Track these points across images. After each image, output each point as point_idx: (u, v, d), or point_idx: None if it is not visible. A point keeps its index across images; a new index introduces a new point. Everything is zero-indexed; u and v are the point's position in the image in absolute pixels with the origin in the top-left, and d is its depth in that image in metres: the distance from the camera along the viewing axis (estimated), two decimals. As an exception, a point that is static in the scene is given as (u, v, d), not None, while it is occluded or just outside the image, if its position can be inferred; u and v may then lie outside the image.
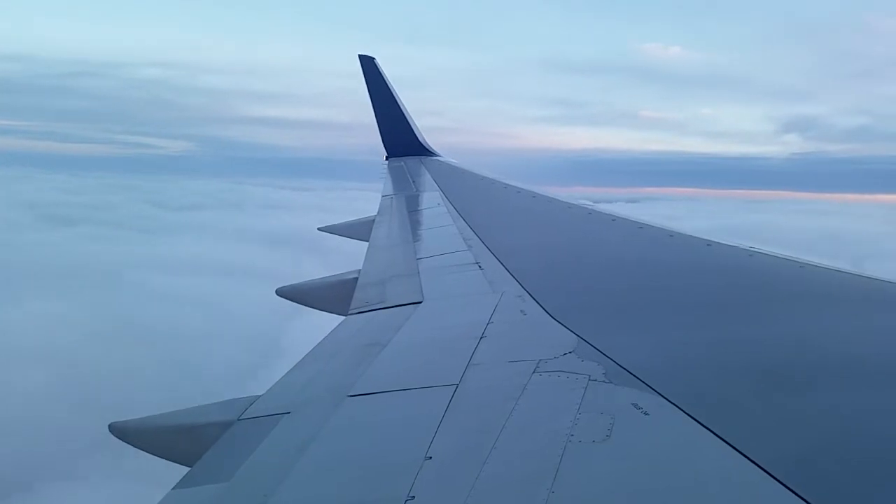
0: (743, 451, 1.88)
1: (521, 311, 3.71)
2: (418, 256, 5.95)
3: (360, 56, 18.28)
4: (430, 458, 2.07)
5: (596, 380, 2.53)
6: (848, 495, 1.65)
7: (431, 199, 10.12)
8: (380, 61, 18.28)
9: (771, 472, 1.76)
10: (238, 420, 2.77)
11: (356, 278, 5.40)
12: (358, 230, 8.94)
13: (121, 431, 3.07)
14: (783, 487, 1.68)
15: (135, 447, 3.03)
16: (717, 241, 5.39)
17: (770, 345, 2.92)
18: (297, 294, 5.84)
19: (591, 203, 9.51)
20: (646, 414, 2.21)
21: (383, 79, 18.21)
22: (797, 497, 1.63)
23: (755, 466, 1.80)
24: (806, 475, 1.73)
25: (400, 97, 18.55)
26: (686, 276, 4.58)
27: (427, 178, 13.32)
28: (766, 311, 3.50)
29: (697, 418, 2.12)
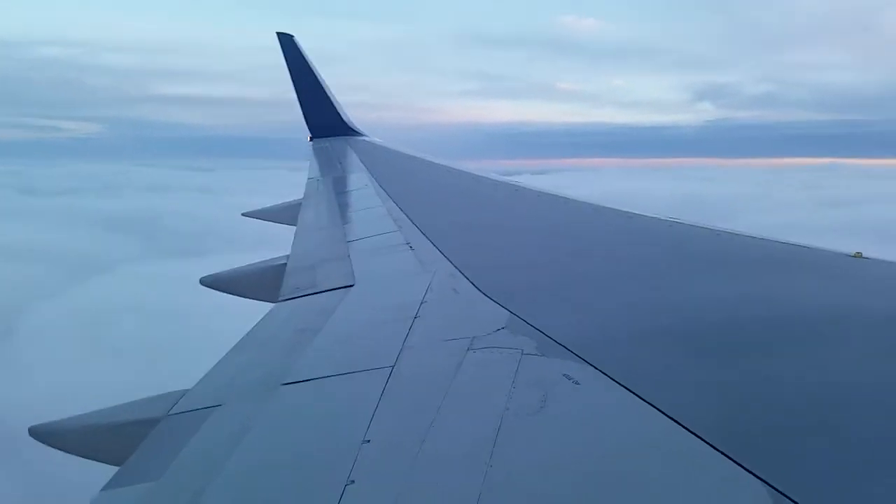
0: (671, 415, 1.96)
1: (454, 289, 3.72)
2: (348, 239, 5.89)
3: (279, 34, 17.77)
4: (369, 441, 2.07)
5: (529, 353, 2.58)
6: (775, 454, 1.73)
7: (359, 181, 10.02)
8: (298, 37, 17.83)
9: (699, 434, 1.83)
10: (167, 416, 2.69)
11: (285, 264, 5.30)
12: (284, 214, 8.77)
13: (43, 434, 2.93)
14: (711, 448, 1.75)
15: (58, 450, 2.90)
16: (638, 213, 5.56)
17: (694, 311, 3.03)
18: (222, 283, 5.67)
19: (498, 176, 9.64)
20: (577, 384, 2.27)
21: (303, 57, 17.78)
22: (726, 457, 1.70)
23: (683, 429, 1.87)
24: (733, 436, 1.81)
25: (322, 76, 18.19)
26: (611, 247, 4.70)
27: (353, 159, 13.17)
28: (689, 279, 3.63)
29: (626, 385, 2.19)
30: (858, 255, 3.62)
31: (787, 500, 1.50)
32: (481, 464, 1.82)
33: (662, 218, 5.28)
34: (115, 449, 2.58)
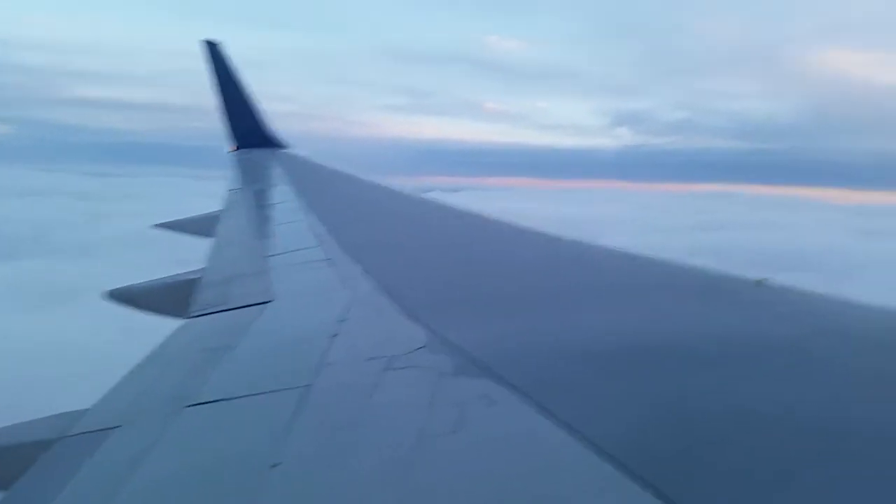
0: (584, 434, 1.97)
1: (374, 307, 3.67)
2: (267, 254, 5.74)
3: (205, 41, 17.33)
4: (278, 464, 1.99)
5: (446, 373, 2.55)
6: (685, 472, 1.76)
7: (281, 194, 9.83)
8: (223, 44, 17.43)
9: (612, 453, 1.84)
10: (60, 438, 2.51)
11: (198, 278, 5.11)
12: (200, 226, 8.48)
13: None
14: (621, 469, 1.77)
15: None
16: (560, 235, 5.66)
17: (607, 333, 3.09)
18: (130, 296, 5.41)
19: (421, 193, 9.69)
20: (494, 403, 2.25)
21: (229, 67, 17.40)
22: (632, 479, 1.72)
23: (591, 449, 1.88)
24: (643, 454, 1.83)
25: (247, 86, 17.83)
26: (531, 268, 4.76)
27: (276, 172, 12.94)
28: (602, 301, 3.70)
29: (542, 403, 2.19)
30: (761, 283, 3.78)
31: None
32: (395, 487, 1.78)
33: (584, 241, 5.39)
34: (2, 474, 2.39)
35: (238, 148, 17.21)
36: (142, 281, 5.66)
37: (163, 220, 9.84)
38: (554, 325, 3.21)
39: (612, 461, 1.81)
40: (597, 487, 1.73)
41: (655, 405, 2.21)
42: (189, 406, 2.59)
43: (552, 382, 2.42)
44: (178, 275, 5.52)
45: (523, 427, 2.11)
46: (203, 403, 2.60)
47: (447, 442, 2.02)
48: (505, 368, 2.53)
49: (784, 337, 2.88)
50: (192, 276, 5.21)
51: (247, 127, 17.50)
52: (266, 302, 4.12)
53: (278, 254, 5.70)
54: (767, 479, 1.70)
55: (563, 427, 2.03)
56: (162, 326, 4.23)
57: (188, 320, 4.07)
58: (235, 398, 2.63)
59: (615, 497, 1.67)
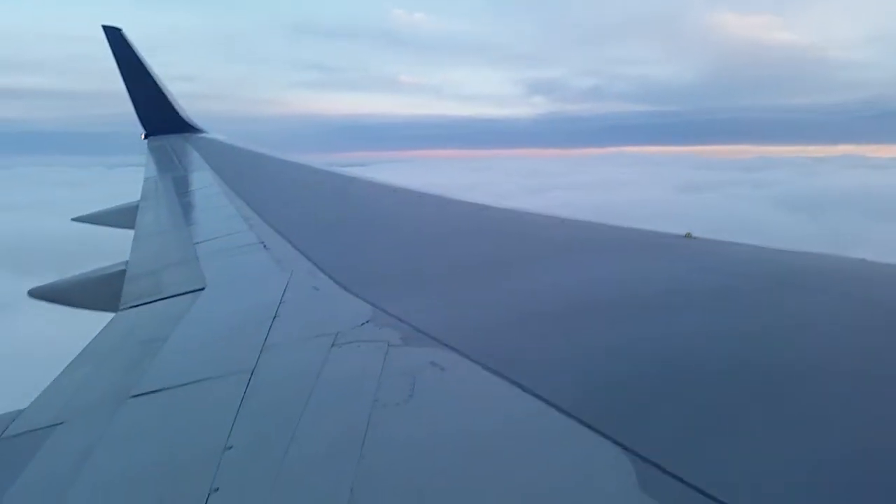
0: (531, 389, 2.05)
1: (314, 286, 3.66)
2: (195, 241, 5.60)
3: (105, 27, 16.50)
4: (231, 447, 1.99)
5: (394, 345, 2.59)
6: (627, 416, 1.87)
7: (202, 179, 9.55)
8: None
9: (558, 406, 1.94)
10: None
11: (124, 270, 4.95)
12: (119, 217, 8.18)
13: None
14: (576, 421, 1.86)
15: None
16: (488, 203, 5.76)
17: (543, 294, 3.19)
18: (55, 293, 5.19)
19: (344, 169, 9.65)
20: (443, 370, 2.31)
21: (133, 52, 16.65)
22: (590, 428, 1.82)
23: (544, 403, 1.97)
24: (593, 408, 1.93)
25: (154, 70, 17.12)
26: (466, 238, 4.83)
27: (195, 157, 12.53)
28: (538, 263, 3.82)
29: (489, 366, 2.27)
30: (689, 236, 3.98)
31: (650, 464, 1.63)
32: (352, 458, 1.81)
33: (514, 208, 5.50)
34: None
35: (151, 135, 16.58)
36: (64, 277, 5.44)
37: (78, 214, 9.42)
38: (493, 292, 3.29)
39: (566, 414, 1.90)
40: (555, 441, 1.82)
41: (602, 358, 2.32)
42: (134, 396, 2.54)
43: (499, 346, 2.50)
44: (102, 268, 5.33)
45: (476, 390, 2.18)
46: (148, 393, 2.56)
47: (401, 410, 2.07)
48: (450, 337, 2.59)
49: (717, 284, 3.06)
50: (118, 269, 5.04)
51: (158, 112, 16.86)
52: (199, 289, 4.04)
53: (206, 240, 5.57)
54: (715, 421, 1.83)
55: (516, 386, 2.12)
56: (92, 321, 4.10)
57: (119, 312, 3.96)
58: (181, 385, 2.59)
59: (575, 448, 1.76)
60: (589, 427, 1.82)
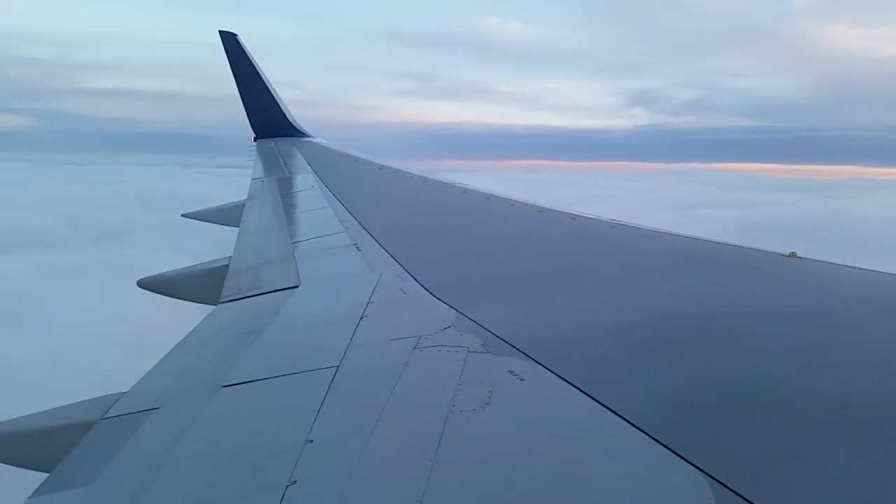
0: (610, 406, 1.99)
1: (401, 289, 3.71)
2: (293, 240, 5.80)
3: (221, 32, 17.36)
4: (312, 441, 2.04)
5: (474, 351, 2.58)
6: (709, 442, 1.78)
7: (304, 182, 9.89)
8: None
9: (636, 424, 1.87)
10: (101, 419, 2.59)
11: (227, 265, 5.19)
12: (226, 215, 8.58)
13: None
14: (647, 437, 1.79)
15: None
16: (580, 213, 5.66)
17: (631, 307, 3.09)
18: (162, 284, 5.50)
19: (442, 177, 9.72)
20: (521, 379, 2.28)
21: (247, 56, 17.43)
22: (661, 446, 1.74)
23: (621, 420, 1.91)
24: (672, 428, 1.85)
25: (266, 75, 17.87)
26: (554, 247, 4.76)
27: (299, 160, 12.99)
28: (626, 277, 3.70)
29: (568, 379, 2.22)
30: (793, 255, 3.76)
31: (724, 488, 1.54)
32: (426, 461, 1.81)
33: (604, 219, 5.37)
34: (47, 455, 2.46)
35: (260, 137, 17.29)
36: (172, 269, 5.76)
37: (189, 210, 9.97)
38: (577, 302, 3.23)
39: (642, 431, 1.83)
40: (629, 458, 1.76)
41: (686, 379, 2.22)
42: (225, 386, 2.65)
43: (579, 358, 2.44)
44: (206, 262, 5.61)
45: (553, 401, 2.14)
46: (238, 384, 2.67)
47: (478, 417, 2.05)
48: (531, 346, 2.55)
49: (818, 306, 2.88)
50: (220, 264, 5.29)
51: (268, 116, 17.55)
52: (294, 287, 4.18)
53: (304, 240, 5.76)
54: (799, 450, 1.71)
55: (593, 399, 2.06)
56: (195, 312, 4.32)
57: (218, 306, 4.15)
58: (269, 378, 2.69)
59: (651, 466, 1.70)
60: (666, 447, 1.75)
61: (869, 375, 2.17)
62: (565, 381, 2.22)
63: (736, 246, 4.20)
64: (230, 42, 17.28)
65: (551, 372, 2.30)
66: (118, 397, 2.76)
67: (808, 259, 3.74)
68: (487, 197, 7.22)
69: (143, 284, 5.47)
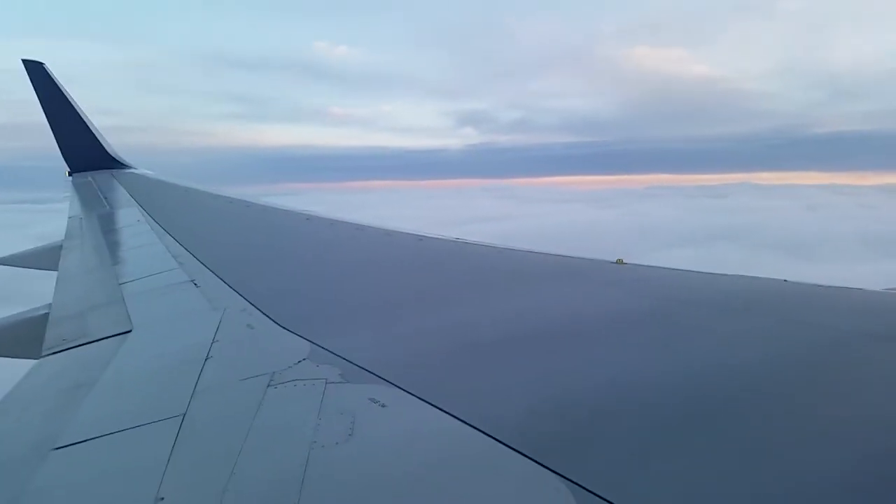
0: (472, 423, 2.04)
1: (248, 324, 3.57)
2: (121, 281, 5.39)
3: (25, 62, 15.91)
4: (163, 499, 1.90)
5: (332, 382, 2.54)
6: (569, 451, 1.88)
7: (130, 217, 9.26)
8: (47, 66, 16.08)
9: (499, 438, 1.93)
10: None
11: (47, 314, 4.71)
12: (42, 258, 7.82)
13: None
14: (515, 452, 1.86)
15: None
16: (427, 234, 5.77)
17: (480, 322, 3.20)
18: None
19: (280, 203, 9.59)
20: (383, 406, 2.28)
21: (56, 86, 16.10)
22: (528, 459, 1.81)
23: (485, 436, 1.96)
24: (528, 434, 1.93)
25: (78, 105, 16.59)
26: (401, 269, 4.82)
27: (122, 194, 12.15)
28: (473, 293, 3.83)
29: (429, 400, 2.25)
30: (620, 262, 4.08)
31: (587, 492, 1.63)
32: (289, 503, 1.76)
33: (449, 238, 5.52)
34: None
35: (75, 171, 16.01)
36: None
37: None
38: (430, 323, 3.28)
39: (506, 446, 1.89)
40: (496, 472, 1.81)
41: (540, 388, 2.33)
42: (56, 449, 2.40)
43: (438, 378, 2.48)
44: (22, 312, 5.06)
45: (416, 425, 2.15)
46: (71, 445, 2.42)
47: (341, 450, 2.02)
48: (389, 370, 2.56)
49: (652, 308, 3.13)
50: (40, 313, 4.80)
51: (82, 148, 16.31)
52: (126, 332, 3.88)
53: (134, 280, 5.38)
54: (653, 449, 1.85)
55: (451, 418, 2.10)
56: (15, 370, 3.87)
57: (41, 359, 3.76)
58: (106, 435, 2.47)
59: (516, 480, 1.76)
60: (530, 458, 1.82)
61: (710, 371, 2.39)
62: (427, 402, 2.25)
63: (571, 256, 4.48)
64: (36, 72, 15.89)
65: (412, 395, 2.32)
66: None
67: (634, 264, 4.08)
68: (331, 223, 7.17)
69: None
